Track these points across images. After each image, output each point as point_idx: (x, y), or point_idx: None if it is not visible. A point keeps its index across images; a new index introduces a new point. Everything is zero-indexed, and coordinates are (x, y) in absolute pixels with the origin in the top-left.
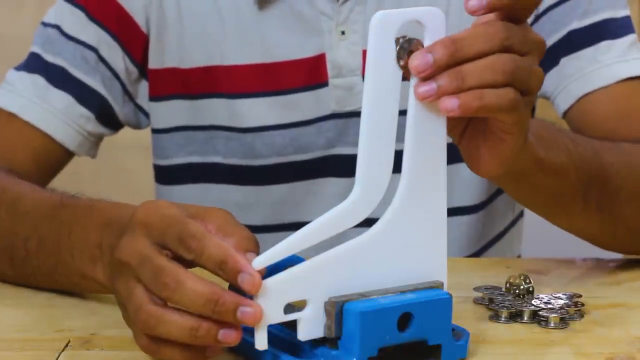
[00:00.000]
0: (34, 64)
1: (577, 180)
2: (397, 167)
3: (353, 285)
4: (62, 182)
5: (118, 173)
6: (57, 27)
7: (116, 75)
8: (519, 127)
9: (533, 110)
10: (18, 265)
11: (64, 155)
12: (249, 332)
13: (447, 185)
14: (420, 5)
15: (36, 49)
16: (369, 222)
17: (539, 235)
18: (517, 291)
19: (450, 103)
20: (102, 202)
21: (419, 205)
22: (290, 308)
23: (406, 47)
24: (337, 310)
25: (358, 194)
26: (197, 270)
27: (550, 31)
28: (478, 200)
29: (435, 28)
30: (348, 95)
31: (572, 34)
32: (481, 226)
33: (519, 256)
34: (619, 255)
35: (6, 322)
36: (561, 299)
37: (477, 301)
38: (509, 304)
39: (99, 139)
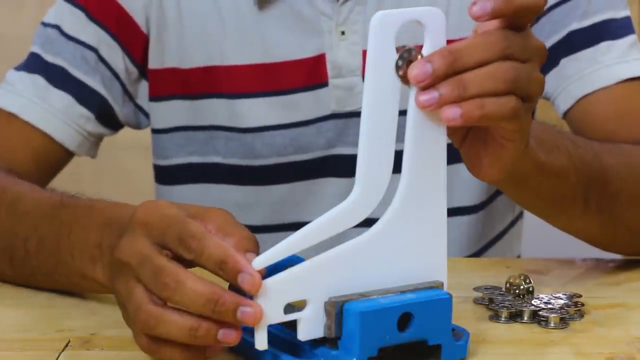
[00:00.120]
0: (34, 64)
1: (578, 183)
2: (397, 167)
3: (353, 285)
4: (62, 182)
5: (118, 173)
6: (57, 27)
7: (116, 76)
8: (521, 134)
9: (533, 112)
10: (18, 265)
11: (63, 155)
12: (249, 332)
13: (447, 185)
14: (420, 5)
15: (36, 49)
16: (369, 222)
17: (539, 235)
18: (517, 291)
19: (452, 112)
20: (102, 202)
21: (419, 205)
22: (290, 308)
23: (406, 57)
24: (337, 310)
25: (358, 194)
26: (197, 270)
27: (550, 32)
28: (478, 200)
29: (435, 28)
30: (348, 96)
31: (572, 34)
32: (481, 226)
33: (518, 256)
34: (618, 256)
35: (6, 322)
36: (561, 299)
37: (477, 301)
38: (509, 304)
39: (99, 139)
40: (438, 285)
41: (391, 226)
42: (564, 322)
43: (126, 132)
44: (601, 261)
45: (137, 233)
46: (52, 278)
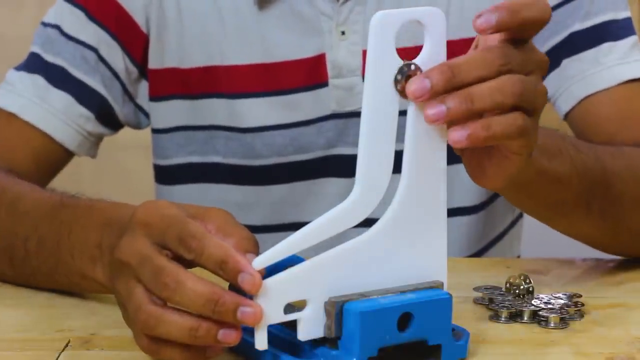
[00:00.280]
0: (34, 64)
1: (580, 187)
2: (397, 167)
3: (353, 285)
4: (62, 182)
5: (118, 173)
6: (57, 27)
7: (116, 75)
8: (527, 149)
9: None
10: (18, 265)
11: (63, 155)
12: (249, 332)
13: (447, 185)
14: (420, 5)
15: (36, 49)
16: (369, 222)
17: (538, 235)
18: (517, 291)
19: (458, 135)
20: (102, 202)
21: (419, 205)
22: (290, 308)
23: (405, 72)
24: (337, 310)
25: (358, 194)
26: (197, 270)
27: (552, 33)
28: (478, 201)
29: (435, 28)
30: (348, 96)
31: (573, 35)
32: (481, 227)
33: (518, 256)
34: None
35: (6, 322)
36: (561, 299)
37: (477, 301)
38: (509, 304)
39: (99, 139)
40: (438, 285)
41: (391, 226)
42: (564, 322)
43: (126, 132)
44: (601, 261)
45: (137, 233)
46: (52, 278)
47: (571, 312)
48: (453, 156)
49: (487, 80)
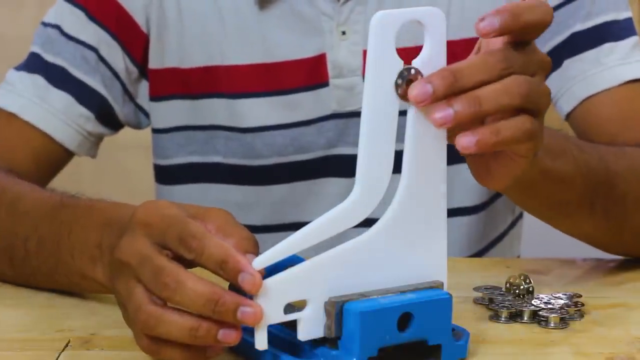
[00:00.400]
0: (34, 64)
1: (583, 188)
2: (397, 167)
3: (353, 285)
4: (62, 182)
5: (118, 173)
6: (57, 27)
7: (116, 75)
8: (534, 151)
9: None
10: (18, 265)
11: (63, 155)
12: (249, 332)
13: (448, 185)
14: (420, 5)
15: (36, 49)
16: (369, 222)
17: (539, 235)
18: (517, 291)
19: (467, 141)
20: (102, 202)
21: (419, 205)
22: (290, 308)
23: (405, 76)
24: (337, 310)
25: (358, 194)
26: (197, 270)
27: (553, 33)
28: (478, 201)
29: (435, 28)
30: (349, 96)
31: (575, 36)
32: (482, 227)
33: (518, 256)
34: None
35: (6, 322)
36: (561, 299)
37: (477, 301)
38: (509, 304)
39: (99, 139)
40: (438, 285)
41: (391, 226)
42: (564, 322)
43: (126, 132)
44: (601, 261)
45: (137, 233)
46: (52, 278)
47: (571, 312)
48: (453, 156)
49: (489, 84)
